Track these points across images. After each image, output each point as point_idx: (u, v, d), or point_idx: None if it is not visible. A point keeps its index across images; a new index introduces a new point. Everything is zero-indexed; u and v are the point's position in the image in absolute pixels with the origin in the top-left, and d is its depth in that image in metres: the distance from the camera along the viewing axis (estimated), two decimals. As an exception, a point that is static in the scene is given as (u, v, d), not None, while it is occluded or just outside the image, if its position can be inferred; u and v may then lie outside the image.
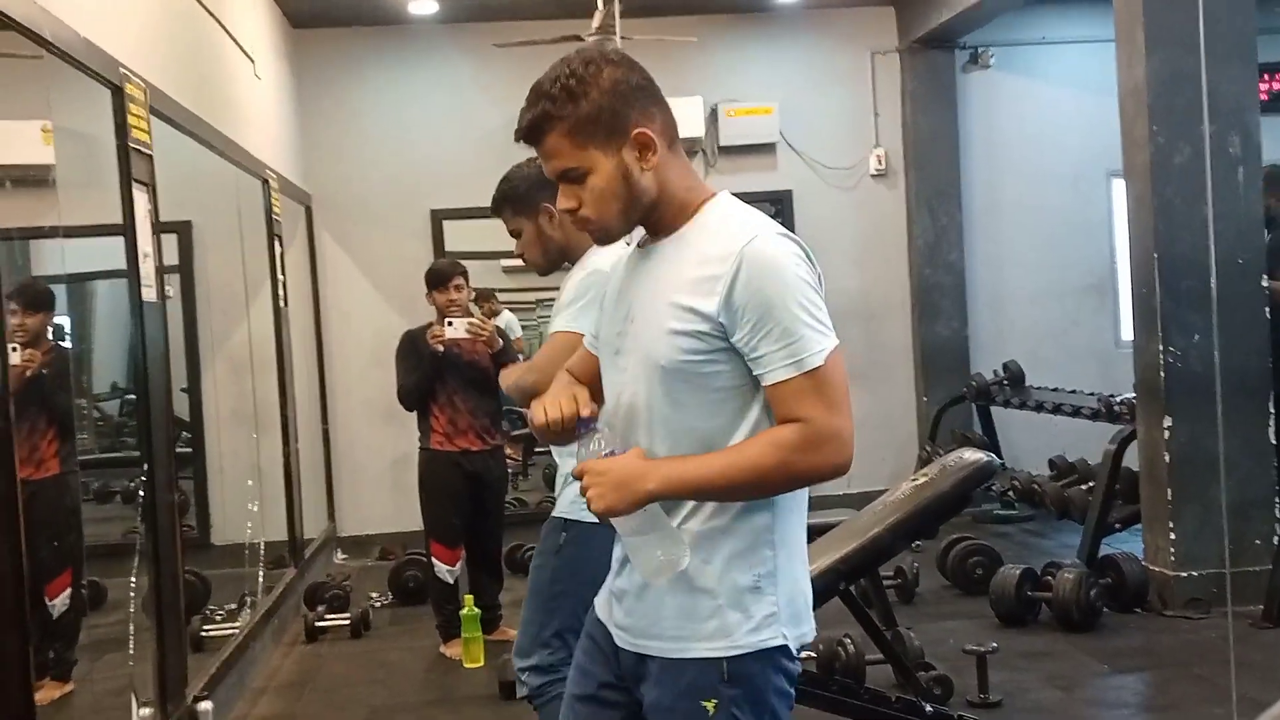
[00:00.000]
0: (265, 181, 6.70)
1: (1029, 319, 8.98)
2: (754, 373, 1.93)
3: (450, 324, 5.49)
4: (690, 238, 2.01)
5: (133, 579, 4.27)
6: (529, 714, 3.44)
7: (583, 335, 2.39)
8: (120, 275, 4.23)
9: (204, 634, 5.47)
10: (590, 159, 1.96)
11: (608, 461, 1.96)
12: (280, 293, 6.96)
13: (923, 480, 4.29)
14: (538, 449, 8.56)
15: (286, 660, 6.02)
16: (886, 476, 7.81)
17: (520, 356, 6.38)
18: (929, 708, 3.97)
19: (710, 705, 1.96)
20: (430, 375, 5.67)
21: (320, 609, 6.50)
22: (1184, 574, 5.71)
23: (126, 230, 4.12)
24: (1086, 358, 8.77)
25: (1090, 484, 6.61)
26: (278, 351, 6.91)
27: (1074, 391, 7.38)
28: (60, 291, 5.02)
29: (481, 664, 5.55)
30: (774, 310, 1.90)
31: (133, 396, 5.03)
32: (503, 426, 6.17)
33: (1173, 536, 5.72)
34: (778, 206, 8.89)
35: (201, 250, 6.47)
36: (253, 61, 6.69)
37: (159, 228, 4.37)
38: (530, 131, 1.99)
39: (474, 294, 6.71)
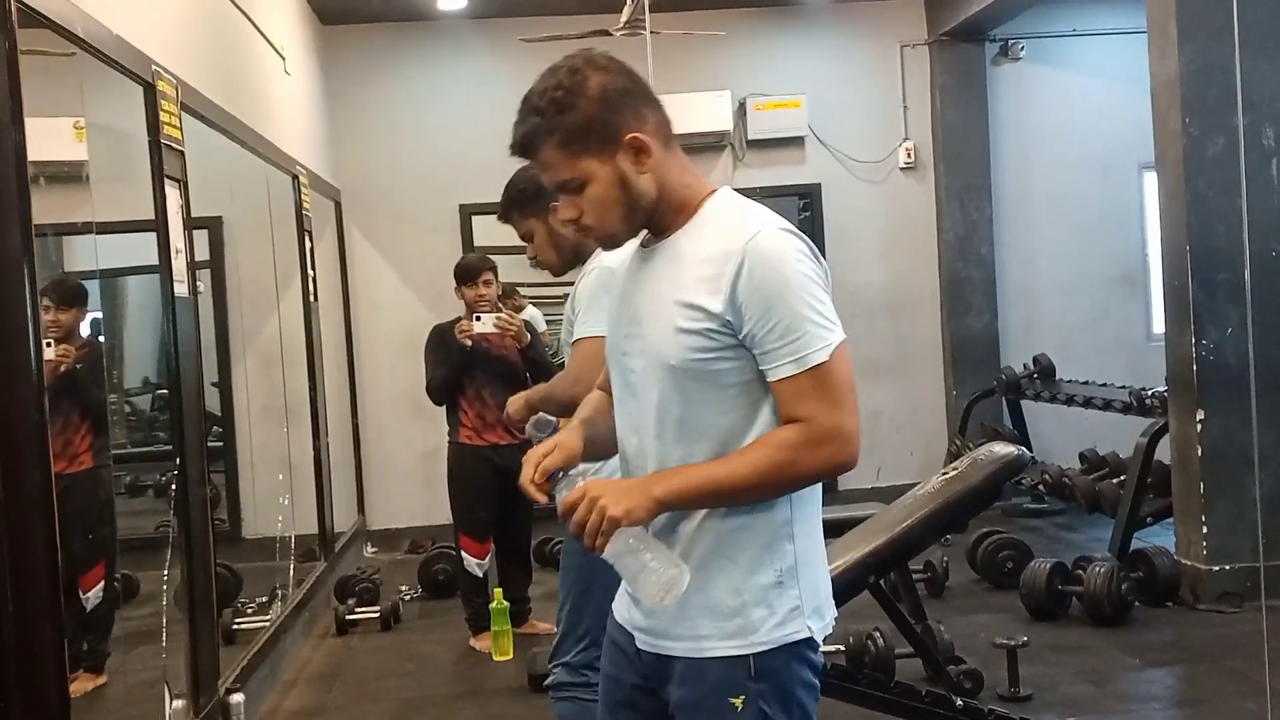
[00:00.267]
0: (295, 177, 6.73)
1: (1059, 312, 8.93)
2: (760, 368, 1.93)
3: (479, 319, 5.51)
4: (693, 235, 1.99)
5: (165, 572, 4.30)
6: (556, 706, 3.45)
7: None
8: (152, 270, 4.26)
9: (235, 627, 5.50)
10: (586, 168, 1.95)
11: (604, 480, 1.97)
12: (310, 287, 6.99)
13: (953, 474, 4.27)
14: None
15: (317, 653, 6.05)
16: (915, 470, 7.80)
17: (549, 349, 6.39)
18: (959, 701, 3.96)
19: (738, 701, 1.95)
20: (459, 369, 5.68)
21: (350, 602, 6.53)
22: (1216, 568, 5.67)
23: (159, 225, 4.15)
24: (1117, 351, 8.72)
25: (1121, 478, 6.58)
26: (308, 346, 6.95)
27: (1105, 385, 7.34)
28: (93, 287, 5.06)
29: (510, 657, 5.57)
30: (777, 306, 1.89)
31: (164, 391, 5.06)
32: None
33: (1205, 530, 5.69)
34: (806, 200, 8.88)
35: (232, 245, 6.51)
36: (283, 58, 6.72)
37: (190, 223, 4.40)
38: (523, 146, 1.98)
39: (501, 289, 6.72)
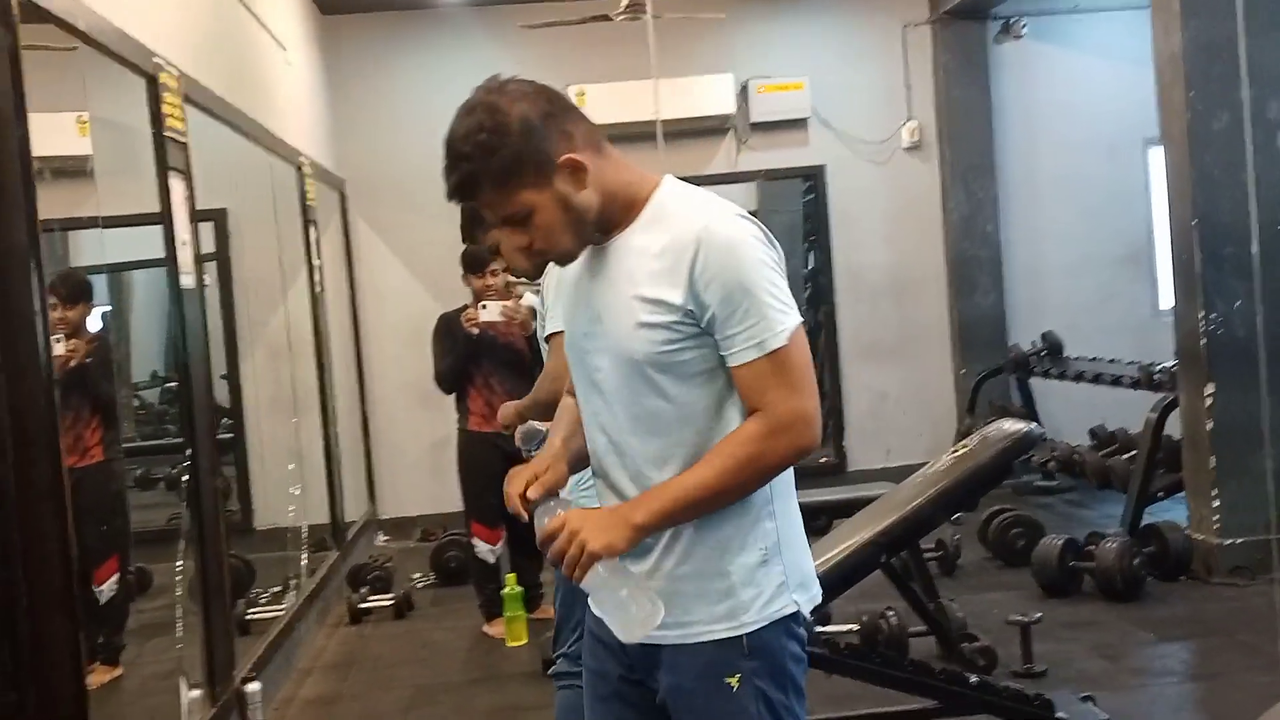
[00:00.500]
0: (299, 167, 6.73)
1: (1066, 290, 8.91)
2: (720, 353, 1.94)
3: (484, 307, 5.51)
4: (645, 230, 1.99)
5: (178, 564, 4.32)
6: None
7: None
8: (159, 264, 4.27)
9: (249, 617, 5.52)
10: (526, 200, 1.94)
11: (580, 511, 1.97)
12: (316, 278, 7.00)
13: (963, 452, 4.27)
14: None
15: (331, 641, 6.07)
16: (924, 450, 7.80)
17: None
18: (973, 678, 3.96)
19: (734, 680, 1.98)
20: (466, 358, 5.69)
21: (363, 590, 6.55)
22: (1228, 542, 5.67)
23: (164, 218, 4.15)
24: (1124, 329, 8.69)
25: (1131, 453, 6.57)
26: (315, 336, 6.96)
27: (1113, 360, 7.33)
28: (100, 281, 5.07)
29: (524, 642, 5.58)
30: (734, 293, 1.90)
31: (173, 384, 5.07)
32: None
33: (1216, 504, 5.69)
34: (811, 182, 8.86)
35: (238, 237, 6.51)
36: (284, 48, 6.71)
37: (195, 215, 4.40)
38: (459, 194, 1.96)
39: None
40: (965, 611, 4.98)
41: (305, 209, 6.82)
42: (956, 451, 4.33)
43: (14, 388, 2.80)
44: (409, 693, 5.19)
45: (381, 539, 8.38)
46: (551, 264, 2.95)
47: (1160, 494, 6.30)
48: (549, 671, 3.46)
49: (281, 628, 5.36)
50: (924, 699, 3.98)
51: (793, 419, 1.93)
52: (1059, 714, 3.89)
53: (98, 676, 4.32)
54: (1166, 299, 7.87)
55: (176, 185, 4.21)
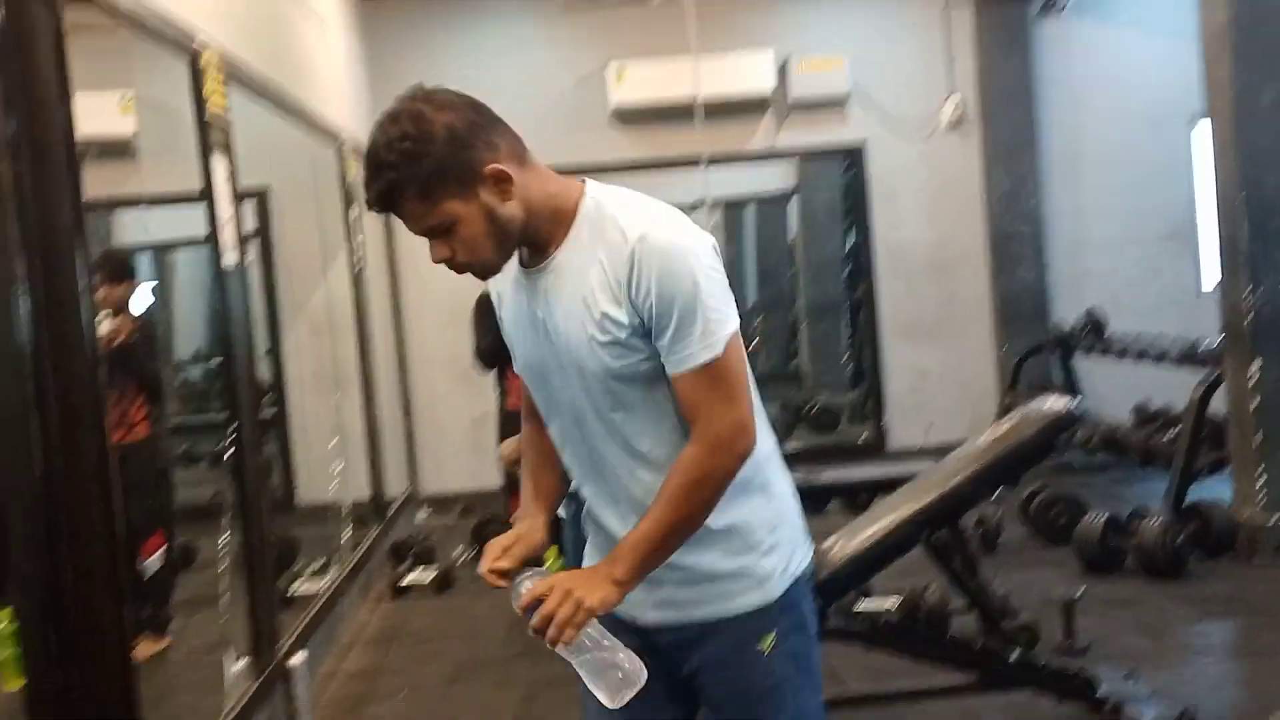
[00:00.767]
0: (339, 146, 6.76)
1: (1108, 267, 8.82)
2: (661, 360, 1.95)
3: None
4: (580, 246, 1.98)
5: (222, 539, 4.37)
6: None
7: None
8: (202, 242, 4.30)
9: (292, 593, 5.57)
10: (450, 210, 1.91)
11: (559, 574, 1.98)
12: (357, 255, 7.03)
13: (1005, 429, 4.25)
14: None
15: (373, 616, 6.13)
16: (965, 428, 7.74)
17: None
18: (1014, 654, 3.95)
19: (766, 643, 2.05)
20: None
21: (405, 565, 6.60)
22: (1274, 520, 5.62)
23: (206, 197, 4.18)
24: (1167, 306, 8.60)
25: (1174, 431, 6.51)
26: (356, 313, 6.99)
27: (1157, 337, 7.26)
28: (144, 260, 5.12)
29: (565, 618, 5.59)
30: (671, 306, 1.91)
31: (217, 360, 5.12)
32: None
33: (1261, 482, 5.64)
34: (850, 160, 8.81)
35: (279, 215, 6.55)
36: (325, 27, 6.73)
37: (238, 194, 4.43)
38: (382, 202, 1.92)
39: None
40: (1006, 589, 4.96)
41: (345, 187, 6.85)
42: (998, 429, 4.31)
43: (60, 366, 2.82)
44: (450, 667, 5.23)
45: (423, 514, 8.43)
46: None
47: (1205, 472, 6.25)
48: None
49: (324, 602, 5.41)
50: (964, 675, 3.98)
51: (731, 433, 1.96)
52: (1100, 689, 3.88)
53: (145, 648, 4.39)
54: (1210, 276, 7.78)
55: (218, 164, 4.23)
